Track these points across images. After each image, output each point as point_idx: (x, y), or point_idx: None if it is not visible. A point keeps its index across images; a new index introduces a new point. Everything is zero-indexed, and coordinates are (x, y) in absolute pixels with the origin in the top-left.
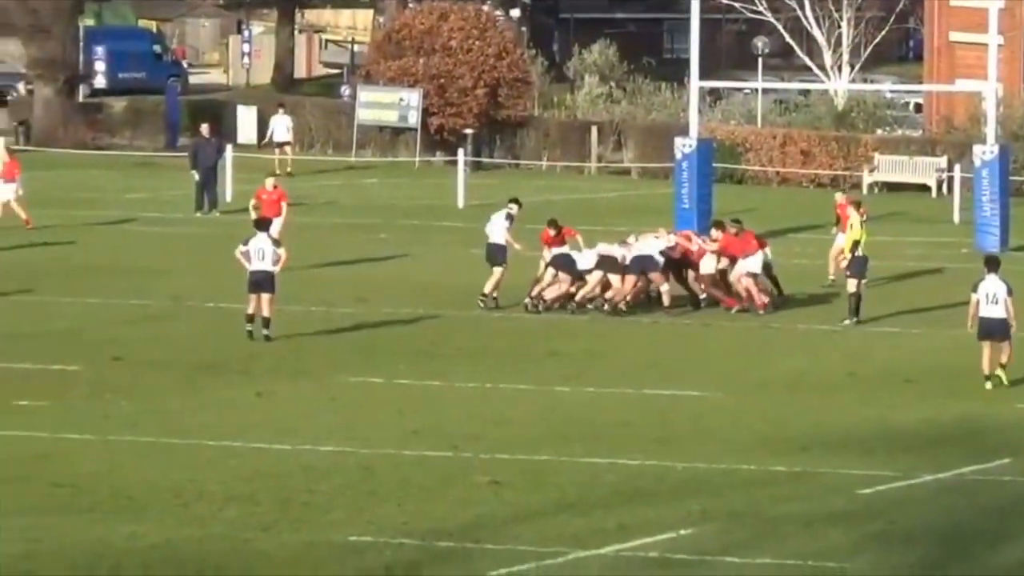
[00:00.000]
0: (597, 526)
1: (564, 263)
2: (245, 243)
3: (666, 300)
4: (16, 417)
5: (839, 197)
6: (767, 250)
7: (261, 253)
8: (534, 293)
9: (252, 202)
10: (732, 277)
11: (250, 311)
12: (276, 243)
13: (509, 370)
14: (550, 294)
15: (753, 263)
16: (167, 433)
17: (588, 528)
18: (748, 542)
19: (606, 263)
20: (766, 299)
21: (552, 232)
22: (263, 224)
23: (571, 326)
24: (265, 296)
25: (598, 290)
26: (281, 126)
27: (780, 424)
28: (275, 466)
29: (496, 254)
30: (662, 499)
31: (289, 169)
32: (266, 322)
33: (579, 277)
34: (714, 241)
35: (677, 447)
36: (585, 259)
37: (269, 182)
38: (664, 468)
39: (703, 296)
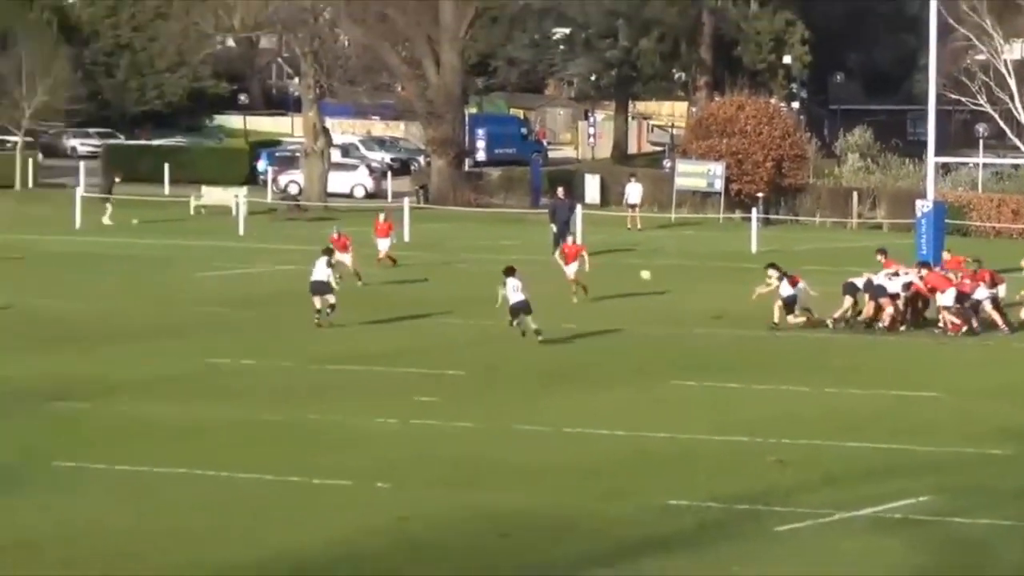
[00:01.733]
0: (856, 494)
1: (876, 291)
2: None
3: (886, 321)
4: (417, 408)
5: None
6: (1002, 286)
7: (516, 287)
8: (836, 315)
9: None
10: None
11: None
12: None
13: (791, 376)
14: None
15: (946, 297)
16: (529, 422)
17: (850, 495)
18: (971, 508)
19: (875, 289)
20: (959, 322)
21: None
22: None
23: (840, 342)
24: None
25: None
26: (635, 191)
27: (998, 418)
28: (616, 449)
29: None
30: (905, 474)
31: (639, 226)
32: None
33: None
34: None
35: (917, 435)
36: (893, 285)
37: (334, 231)
38: (907, 451)
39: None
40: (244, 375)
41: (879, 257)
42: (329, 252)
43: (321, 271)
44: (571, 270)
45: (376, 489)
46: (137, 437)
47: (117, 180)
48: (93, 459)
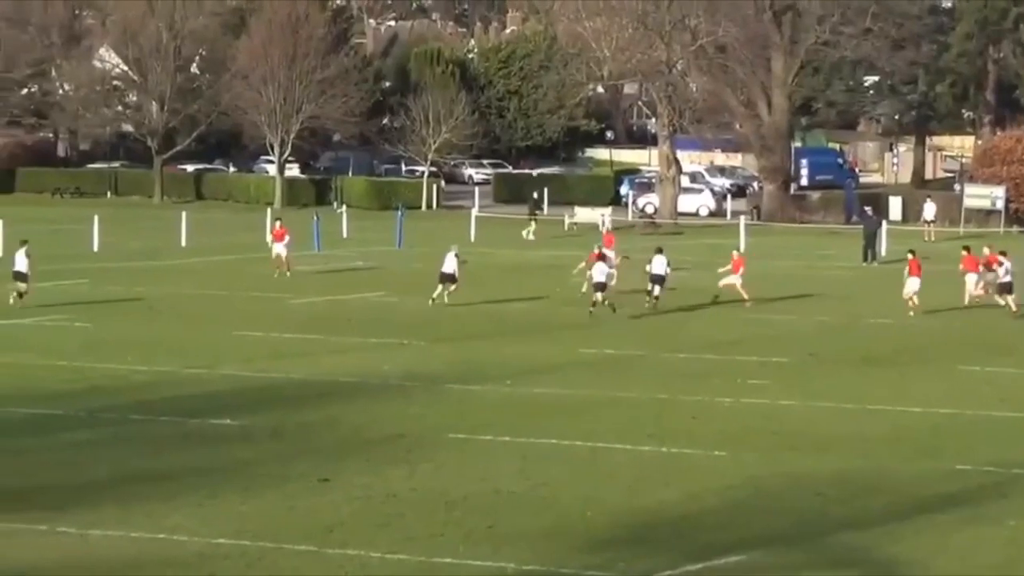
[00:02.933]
0: None
1: None
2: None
3: None
4: (751, 391)
5: None
6: None
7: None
8: None
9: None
10: None
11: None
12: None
13: None
14: None
15: None
16: (840, 400)
17: None
18: None
19: None
20: None
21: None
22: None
23: None
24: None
25: None
26: (930, 210)
27: None
28: (912, 422)
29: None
30: None
31: (933, 238)
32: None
33: None
34: None
35: None
36: None
37: (278, 223)
38: None
39: None
40: (605, 363)
41: None
42: (457, 256)
43: (449, 263)
44: (912, 285)
45: (714, 456)
46: (519, 414)
47: (535, 196)
48: (480, 432)
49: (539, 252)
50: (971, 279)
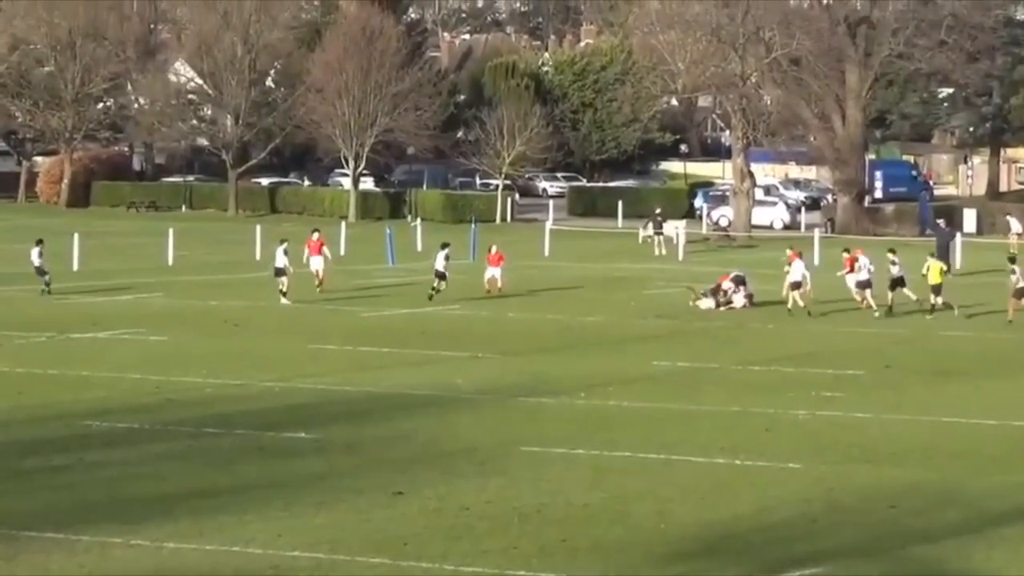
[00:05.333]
0: None
1: None
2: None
3: None
4: (827, 403)
5: None
6: None
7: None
8: None
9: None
10: None
11: None
12: None
13: None
14: None
15: None
16: (918, 412)
17: None
18: None
19: None
20: None
21: None
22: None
23: None
24: None
25: None
26: (1016, 224)
27: None
28: (985, 435)
29: None
30: None
31: (1015, 251)
32: None
33: None
34: None
35: None
36: None
37: (315, 235)
38: None
39: None
40: (678, 376)
41: None
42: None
43: (440, 261)
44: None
45: (788, 469)
46: (592, 426)
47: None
48: (553, 445)
49: (613, 265)
50: None
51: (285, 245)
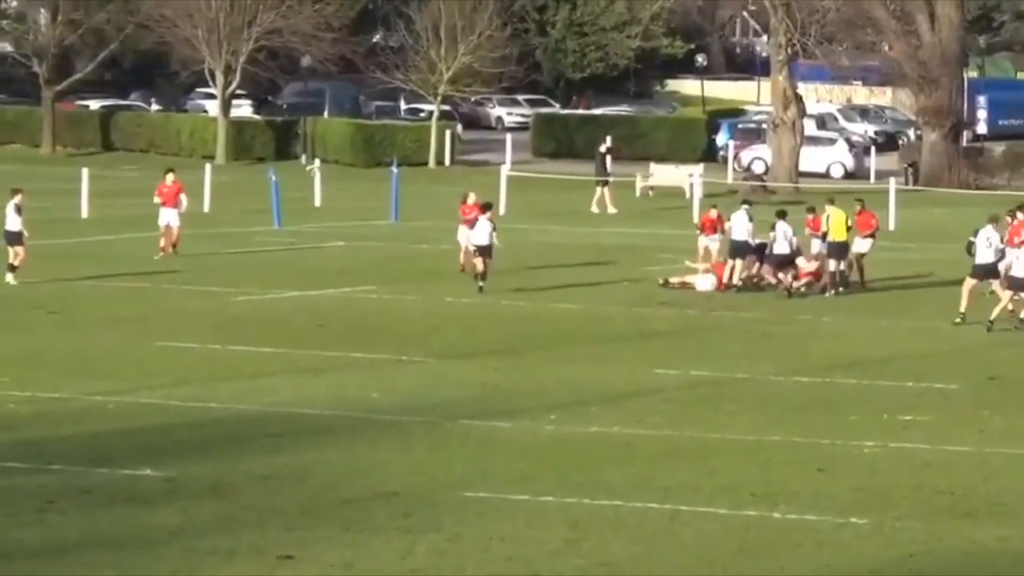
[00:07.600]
0: None
1: None
2: None
3: None
4: (903, 431)
5: None
6: None
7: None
8: None
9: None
10: None
11: None
12: None
13: None
14: None
15: None
16: None
17: None
18: None
19: None
20: None
21: None
22: None
23: None
24: None
25: None
26: None
27: None
28: None
29: None
30: None
31: None
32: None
33: None
34: None
35: None
36: None
37: (169, 177)
38: None
39: None
40: (690, 390)
41: None
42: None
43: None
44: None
45: (849, 525)
46: (567, 463)
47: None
48: (511, 489)
49: (598, 230)
50: None
51: (19, 199)
